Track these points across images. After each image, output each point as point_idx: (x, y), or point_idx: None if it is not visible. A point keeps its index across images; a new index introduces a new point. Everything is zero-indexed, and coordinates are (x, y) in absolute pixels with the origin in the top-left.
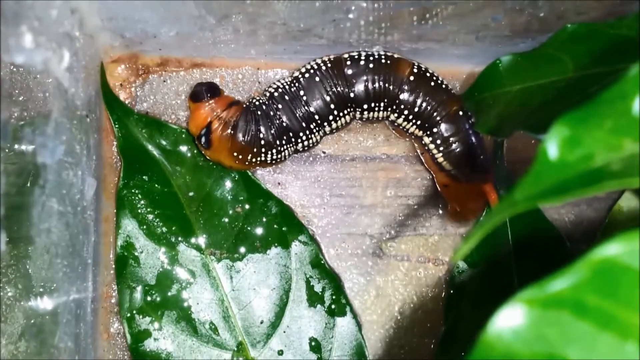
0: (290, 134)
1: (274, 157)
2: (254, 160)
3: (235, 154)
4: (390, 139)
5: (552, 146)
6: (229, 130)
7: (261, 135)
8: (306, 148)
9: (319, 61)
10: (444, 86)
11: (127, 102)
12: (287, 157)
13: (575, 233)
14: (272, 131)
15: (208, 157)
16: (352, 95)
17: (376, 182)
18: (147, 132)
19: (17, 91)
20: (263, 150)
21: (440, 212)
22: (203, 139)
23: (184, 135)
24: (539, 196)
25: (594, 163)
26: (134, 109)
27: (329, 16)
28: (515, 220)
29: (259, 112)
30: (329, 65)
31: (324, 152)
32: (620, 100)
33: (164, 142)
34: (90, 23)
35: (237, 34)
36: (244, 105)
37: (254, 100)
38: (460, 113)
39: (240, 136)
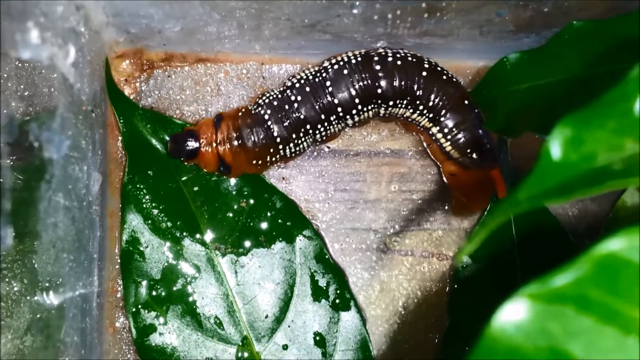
0: (308, 126)
1: (292, 150)
2: (274, 159)
3: (254, 161)
4: (395, 134)
5: (555, 146)
6: (235, 144)
7: (275, 133)
8: (324, 139)
9: (349, 54)
10: (454, 79)
11: (132, 97)
12: (306, 148)
13: (579, 228)
14: (286, 124)
15: (234, 177)
16: (379, 91)
17: (380, 177)
18: (151, 127)
19: (22, 86)
20: (280, 147)
21: (444, 207)
22: (221, 167)
23: None
24: (542, 196)
25: (597, 163)
26: (139, 104)
27: (334, 11)
28: (520, 215)
29: (269, 110)
30: (359, 59)
31: (328, 147)
32: (622, 101)
33: (168, 137)
34: (95, 19)
35: (241, 30)
36: (243, 111)
37: (259, 100)
38: (466, 102)
39: (250, 143)
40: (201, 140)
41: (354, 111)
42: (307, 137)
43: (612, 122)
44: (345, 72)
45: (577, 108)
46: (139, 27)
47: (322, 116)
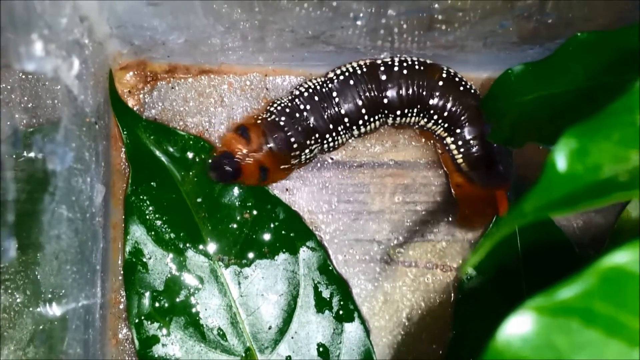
0: (317, 135)
1: (307, 156)
2: (295, 162)
3: (282, 166)
4: (398, 145)
5: (561, 158)
6: (266, 149)
7: (292, 139)
8: (331, 149)
9: (354, 65)
10: (472, 90)
11: (135, 108)
12: (317, 155)
13: (584, 239)
14: (299, 129)
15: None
16: (385, 101)
17: (384, 188)
18: (155, 138)
19: (26, 98)
20: (297, 152)
21: (448, 218)
22: (262, 176)
23: (191, 142)
24: (548, 207)
25: (602, 174)
26: (142, 115)
27: (337, 23)
28: (525, 227)
29: (282, 117)
30: (365, 70)
31: (331, 158)
32: (627, 112)
33: (171, 149)
34: (99, 30)
35: (245, 41)
36: (260, 118)
37: (271, 108)
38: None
39: (276, 149)
40: (237, 156)
41: (361, 122)
42: (316, 146)
43: (616, 134)
44: (352, 82)
45: (581, 119)
46: (143, 38)
47: (331, 126)
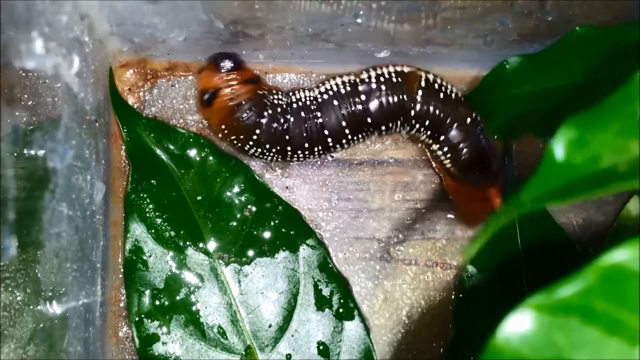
0: (288, 148)
1: (257, 154)
2: (239, 144)
3: (223, 126)
4: (398, 143)
5: (559, 148)
6: (233, 104)
7: (257, 130)
8: (301, 159)
9: (338, 81)
10: (453, 94)
11: (135, 106)
12: (276, 160)
13: (584, 237)
14: (268, 134)
15: (201, 116)
16: (369, 119)
17: (384, 186)
18: (155, 136)
19: (27, 96)
20: (251, 142)
21: (448, 216)
22: (207, 96)
23: (192, 140)
24: (546, 197)
25: (601, 164)
26: (143, 113)
27: (337, 21)
28: (525, 224)
29: (270, 110)
30: (348, 88)
31: (332, 156)
32: (627, 103)
33: (171, 147)
34: (99, 28)
35: (245, 39)
36: (259, 92)
37: (273, 98)
38: (468, 120)
39: (239, 115)
40: (230, 73)
41: (344, 140)
42: (278, 156)
43: (616, 124)
44: (335, 102)
45: (578, 112)
46: (143, 36)
47: (306, 144)
